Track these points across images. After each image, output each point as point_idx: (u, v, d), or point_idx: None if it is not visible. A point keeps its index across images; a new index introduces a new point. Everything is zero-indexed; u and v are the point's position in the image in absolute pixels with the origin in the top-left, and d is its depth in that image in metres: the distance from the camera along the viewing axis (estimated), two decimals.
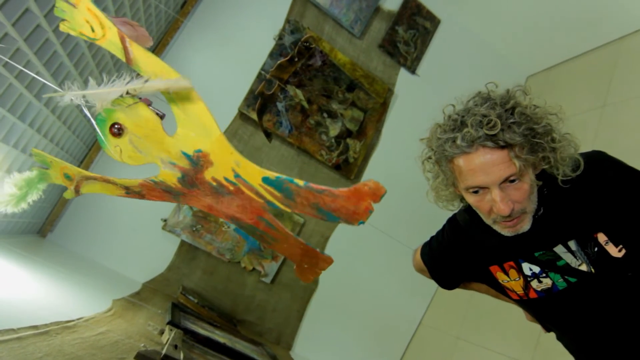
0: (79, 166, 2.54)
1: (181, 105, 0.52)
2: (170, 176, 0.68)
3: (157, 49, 2.71)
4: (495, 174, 0.83)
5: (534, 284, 0.97)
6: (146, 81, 0.56)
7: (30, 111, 1.61)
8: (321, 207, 0.52)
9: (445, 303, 3.19)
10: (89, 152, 2.56)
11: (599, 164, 0.92)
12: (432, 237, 1.23)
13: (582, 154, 0.91)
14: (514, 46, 3.42)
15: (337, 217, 0.55)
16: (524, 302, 1.03)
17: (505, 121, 0.82)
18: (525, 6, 3.08)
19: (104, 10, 1.76)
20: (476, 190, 0.87)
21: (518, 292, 1.02)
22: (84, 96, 0.55)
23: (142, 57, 0.52)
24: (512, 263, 0.99)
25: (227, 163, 0.58)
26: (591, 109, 2.77)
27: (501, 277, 1.03)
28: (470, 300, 2.95)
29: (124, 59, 0.56)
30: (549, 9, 2.98)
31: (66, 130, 2.04)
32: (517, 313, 2.63)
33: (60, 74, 1.68)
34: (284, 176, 0.51)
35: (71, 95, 0.55)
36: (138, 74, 0.58)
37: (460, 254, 1.11)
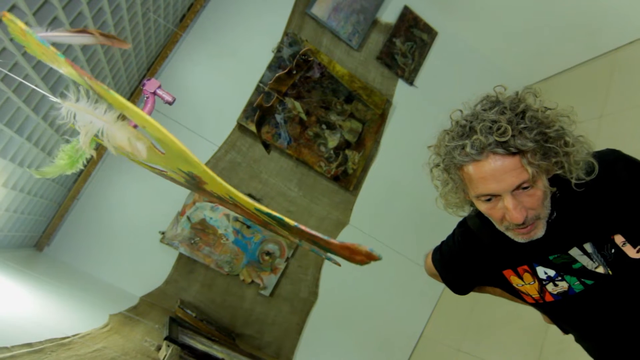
0: (76, 180, 2.53)
1: (158, 139, 0.50)
2: (178, 177, 0.67)
3: (157, 61, 2.73)
4: (507, 182, 0.80)
5: (550, 287, 0.95)
6: (117, 118, 0.55)
7: (27, 125, 1.61)
8: (316, 242, 0.51)
9: (447, 315, 3.16)
10: (86, 165, 2.55)
11: (613, 165, 0.88)
12: (442, 242, 1.21)
13: (595, 153, 0.88)
14: (511, 57, 3.45)
15: (335, 253, 0.54)
16: (540, 306, 1.01)
17: (516, 126, 0.79)
18: (522, 17, 3.10)
19: (103, 24, 1.77)
20: (488, 198, 0.85)
21: (533, 296, 1.00)
22: (75, 115, 0.53)
23: (103, 94, 0.50)
24: (526, 267, 0.97)
25: (220, 190, 0.56)
26: (588, 119, 2.78)
27: (515, 281, 1.01)
28: (472, 312, 2.92)
29: (92, 91, 0.55)
30: (546, 20, 3.01)
31: (64, 144, 2.03)
32: (520, 325, 2.60)
33: (57, 89, 1.68)
34: (274, 213, 0.50)
35: (67, 106, 0.53)
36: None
37: (471, 259, 1.09)
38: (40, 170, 0.77)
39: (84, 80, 0.50)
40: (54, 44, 0.51)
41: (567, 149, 0.82)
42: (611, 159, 0.90)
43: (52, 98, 0.53)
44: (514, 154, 0.79)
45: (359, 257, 0.49)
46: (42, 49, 0.49)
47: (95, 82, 0.47)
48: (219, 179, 0.51)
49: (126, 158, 0.84)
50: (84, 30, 0.68)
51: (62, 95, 0.56)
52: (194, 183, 0.62)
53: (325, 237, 0.46)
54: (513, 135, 0.78)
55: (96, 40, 0.71)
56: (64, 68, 0.52)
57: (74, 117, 0.55)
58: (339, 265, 0.82)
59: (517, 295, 1.05)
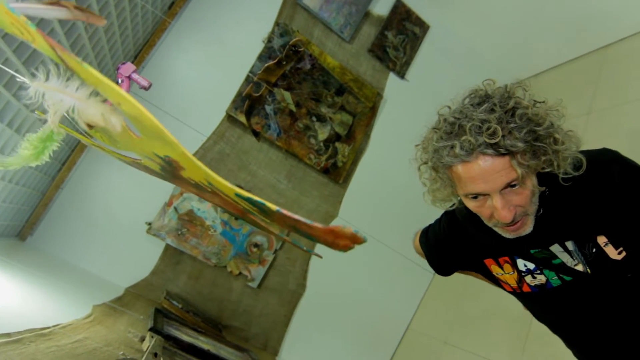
0: (60, 169, 2.48)
1: (134, 118, 0.48)
2: (152, 164, 0.64)
3: (144, 49, 2.67)
4: (496, 181, 0.80)
5: (528, 279, 0.97)
6: (90, 95, 0.53)
7: (8, 111, 1.56)
8: (299, 228, 0.49)
9: (434, 308, 3.19)
10: (71, 153, 2.50)
11: (607, 166, 0.87)
12: (430, 226, 1.23)
13: (591, 152, 0.87)
14: (502, 53, 3.45)
15: (317, 240, 0.52)
16: (517, 295, 1.04)
17: (506, 125, 0.77)
18: (513, 14, 3.11)
19: (88, 9, 1.73)
20: (476, 196, 0.85)
21: (511, 285, 1.01)
22: (44, 95, 0.51)
23: (76, 68, 0.48)
24: (507, 258, 0.99)
25: (198, 175, 0.55)
26: (576, 115, 2.80)
27: (495, 269, 1.03)
28: (458, 305, 2.95)
29: (63, 66, 0.52)
30: (536, 17, 3.02)
31: (30, 134, 1.99)
32: (505, 318, 2.63)
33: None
34: (255, 198, 0.48)
35: (36, 86, 0.51)
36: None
37: (455, 246, 1.11)
38: (1, 160, 0.73)
39: (56, 55, 0.48)
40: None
41: (557, 147, 0.80)
42: (606, 160, 0.88)
43: (20, 78, 0.51)
44: (503, 154, 0.78)
45: (343, 241, 0.47)
46: (12, 18, 0.47)
47: (69, 56, 0.45)
48: (197, 162, 0.49)
49: (101, 151, 0.81)
50: (57, 3, 0.64)
51: (32, 75, 0.53)
52: (170, 170, 0.60)
53: (308, 222, 0.45)
54: (503, 136, 0.76)
55: (71, 15, 0.67)
56: (36, 40, 0.49)
57: (43, 97, 0.53)
58: (320, 257, 0.80)
59: (496, 282, 1.08)
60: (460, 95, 0.87)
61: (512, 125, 0.78)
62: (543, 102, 0.84)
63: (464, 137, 0.78)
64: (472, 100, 0.84)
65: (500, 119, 0.78)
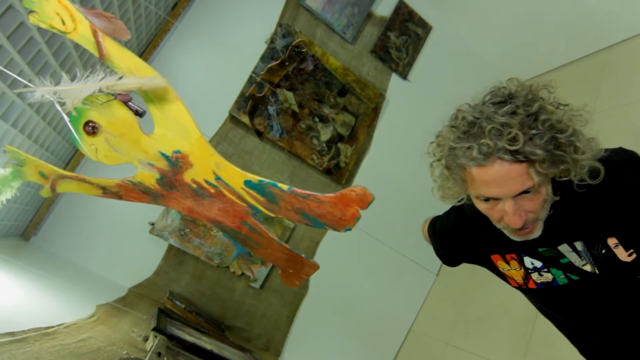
0: (64, 168, 2.49)
1: (158, 104, 0.49)
2: (149, 177, 0.65)
3: (147, 50, 2.69)
4: (511, 188, 0.77)
5: (535, 276, 0.96)
6: (120, 78, 0.53)
7: (13, 111, 1.57)
8: (306, 212, 0.49)
9: (436, 309, 3.18)
10: (75, 154, 2.51)
11: (623, 167, 0.83)
12: (438, 218, 1.23)
13: (607, 153, 0.84)
14: (504, 54, 3.45)
15: (323, 223, 0.52)
16: (523, 290, 1.03)
17: (528, 131, 0.74)
18: (515, 14, 3.10)
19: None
20: (487, 198, 0.83)
21: (517, 281, 1.01)
22: (55, 92, 0.51)
23: (115, 52, 0.49)
24: (514, 255, 0.98)
25: (208, 165, 0.55)
26: None
27: (502, 265, 1.02)
28: (461, 307, 2.94)
29: (97, 55, 0.53)
30: (539, 18, 3.02)
31: (51, 131, 2.00)
32: (508, 319, 2.62)
33: (39, 68, 1.64)
34: (267, 180, 0.49)
35: (43, 90, 0.52)
36: (112, 71, 0.55)
37: (462, 240, 1.11)
38: None
39: (95, 41, 0.49)
40: None
41: (576, 156, 0.77)
42: (623, 161, 0.85)
43: (30, 87, 0.51)
44: (521, 161, 0.75)
45: (351, 209, 0.48)
46: (62, 6, 0.47)
47: (111, 41, 0.46)
48: (210, 147, 0.50)
49: (80, 190, 0.80)
50: (98, 12, 0.63)
51: (40, 81, 0.54)
52: (171, 177, 0.60)
53: (318, 194, 0.46)
54: (523, 142, 0.73)
55: (109, 27, 0.66)
56: (78, 28, 0.50)
57: (54, 94, 0.53)
58: (318, 267, 0.78)
59: (502, 277, 1.07)
60: (481, 92, 0.84)
61: (534, 131, 0.74)
62: (567, 105, 0.80)
63: (482, 140, 0.75)
64: (494, 98, 0.81)
65: (522, 124, 0.74)
